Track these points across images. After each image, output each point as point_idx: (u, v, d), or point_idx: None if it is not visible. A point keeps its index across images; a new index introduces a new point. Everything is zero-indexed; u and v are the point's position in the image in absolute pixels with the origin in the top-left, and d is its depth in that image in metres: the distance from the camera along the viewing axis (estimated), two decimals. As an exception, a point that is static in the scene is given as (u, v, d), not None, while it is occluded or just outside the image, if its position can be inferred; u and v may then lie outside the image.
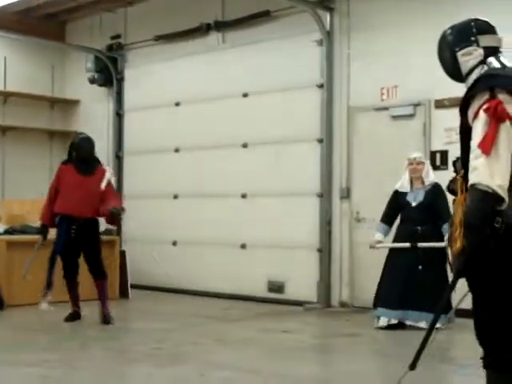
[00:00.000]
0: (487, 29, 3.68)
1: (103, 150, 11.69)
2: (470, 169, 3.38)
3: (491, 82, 3.47)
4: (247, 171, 9.94)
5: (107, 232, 10.83)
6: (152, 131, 11.02)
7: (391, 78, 8.59)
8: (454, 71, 3.81)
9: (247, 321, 8.22)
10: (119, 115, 11.73)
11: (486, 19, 3.70)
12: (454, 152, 8.26)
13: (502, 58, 3.67)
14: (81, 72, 11.90)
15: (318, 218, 9.26)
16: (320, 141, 9.27)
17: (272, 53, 9.77)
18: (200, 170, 10.50)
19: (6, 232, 9.13)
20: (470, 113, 3.53)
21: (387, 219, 7.58)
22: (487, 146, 3.34)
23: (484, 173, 3.31)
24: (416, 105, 8.47)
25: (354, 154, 9.07)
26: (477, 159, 3.35)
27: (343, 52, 9.17)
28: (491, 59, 3.63)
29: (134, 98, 11.53)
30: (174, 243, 10.82)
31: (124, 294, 9.86)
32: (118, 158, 11.72)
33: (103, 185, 7.53)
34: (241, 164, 10.03)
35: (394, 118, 8.70)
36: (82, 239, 7.50)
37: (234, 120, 10.10)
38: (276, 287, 9.62)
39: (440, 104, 8.41)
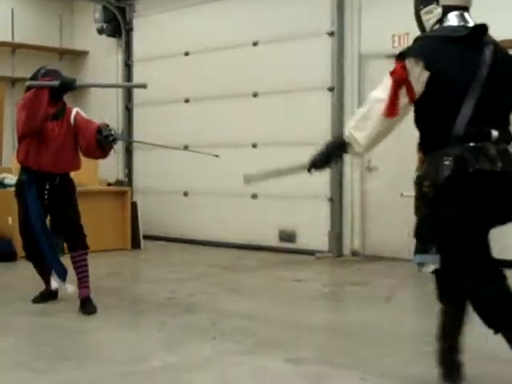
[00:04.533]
0: None
1: (113, 102, 11.67)
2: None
3: (411, 48, 3.65)
4: (258, 121, 9.89)
5: (118, 183, 10.87)
6: (161, 82, 10.93)
7: (402, 25, 8.41)
8: (420, 28, 3.89)
9: (259, 270, 8.27)
10: (128, 66, 11.65)
11: None
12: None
13: (466, 16, 3.71)
14: (89, 23, 11.79)
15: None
16: (331, 89, 9.19)
17: (282, 0, 9.64)
18: (210, 120, 10.46)
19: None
20: None
21: None
22: (388, 109, 3.58)
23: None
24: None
25: (365, 103, 9.00)
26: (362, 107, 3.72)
27: (354, -1, 9.05)
28: (449, 17, 3.69)
29: (142, 49, 11.43)
30: (186, 193, 10.84)
31: (136, 244, 9.92)
32: (128, 110, 11.67)
33: (72, 117, 5.93)
34: (251, 113, 9.97)
35: (406, 65, 8.60)
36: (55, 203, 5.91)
37: (244, 69, 10.02)
38: (287, 237, 9.65)
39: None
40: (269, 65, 9.75)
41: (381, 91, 3.62)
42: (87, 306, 5.74)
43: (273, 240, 9.75)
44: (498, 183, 3.50)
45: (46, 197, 5.83)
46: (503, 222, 3.67)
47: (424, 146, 3.71)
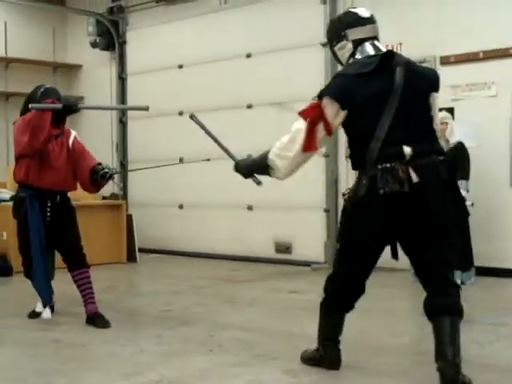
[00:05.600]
0: (356, 21, 4.08)
1: (107, 115, 11.69)
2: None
3: (327, 88, 3.97)
4: (252, 132, 9.89)
5: (113, 196, 10.86)
6: (155, 94, 10.96)
7: (396, 35, 8.49)
8: (337, 61, 4.25)
9: (255, 282, 8.25)
10: (122, 79, 11.68)
11: (357, 10, 4.11)
12: (460, 109, 8.22)
13: (377, 44, 4.08)
14: (82, 36, 11.83)
15: (324, 178, 9.25)
16: (325, 100, 9.20)
17: (275, 12, 9.68)
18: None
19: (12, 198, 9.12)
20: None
21: None
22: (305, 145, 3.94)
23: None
24: (421, 62, 8.30)
25: (359, 113, 9.01)
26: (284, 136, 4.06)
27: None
28: (364, 47, 4.03)
29: (136, 62, 11.46)
30: (181, 206, 10.83)
31: (131, 257, 9.90)
32: (122, 123, 11.68)
33: (70, 141, 5.98)
34: (246, 125, 9.98)
35: (399, 75, 8.62)
36: (56, 221, 5.90)
37: (238, 81, 10.04)
38: (283, 248, 9.64)
39: (445, 60, 8.33)
40: (263, 76, 9.77)
41: (300, 123, 3.97)
42: (99, 321, 5.69)
43: (269, 251, 9.74)
44: (406, 203, 3.78)
45: (49, 214, 5.83)
46: (403, 240, 3.98)
47: (352, 165, 4.06)
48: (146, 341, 5.24)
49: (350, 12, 4.13)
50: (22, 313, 6.07)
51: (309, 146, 3.92)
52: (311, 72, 9.33)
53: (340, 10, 9.10)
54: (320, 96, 3.94)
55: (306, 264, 9.14)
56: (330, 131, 3.93)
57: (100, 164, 5.89)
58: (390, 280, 7.71)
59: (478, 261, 7.63)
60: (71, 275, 5.91)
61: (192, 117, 4.72)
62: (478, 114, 8.15)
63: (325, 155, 9.17)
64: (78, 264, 5.89)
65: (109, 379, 4.27)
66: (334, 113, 3.89)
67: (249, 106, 9.99)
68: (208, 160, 6.56)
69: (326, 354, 4.30)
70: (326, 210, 9.23)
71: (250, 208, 9.97)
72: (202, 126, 4.65)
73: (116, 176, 6.19)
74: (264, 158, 4.13)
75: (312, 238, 9.31)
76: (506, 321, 5.86)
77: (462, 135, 7.57)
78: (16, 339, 5.37)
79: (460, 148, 7.44)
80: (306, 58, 9.36)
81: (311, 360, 4.40)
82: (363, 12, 4.10)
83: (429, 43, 8.28)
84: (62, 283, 6.32)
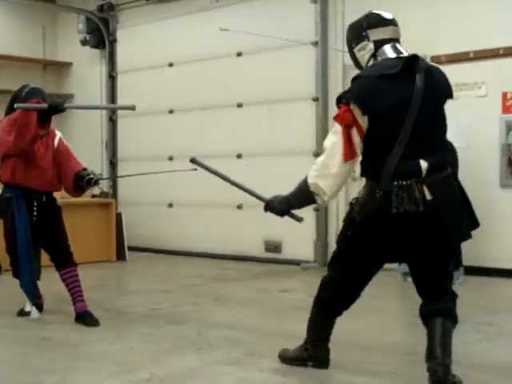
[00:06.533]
0: (378, 22, 3.98)
1: (97, 113, 11.65)
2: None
3: (349, 92, 3.81)
4: (242, 131, 9.90)
5: (103, 194, 10.84)
6: (145, 93, 10.93)
7: (386, 35, 8.51)
8: (356, 64, 4.08)
9: (245, 281, 8.25)
10: (112, 77, 11.64)
11: (380, 12, 4.01)
12: (450, 109, 8.23)
13: (398, 46, 3.95)
14: (72, 34, 11.78)
15: (313, 177, 9.24)
16: (315, 99, 9.22)
17: (266, 11, 9.67)
18: (194, 130, 10.45)
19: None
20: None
21: None
22: (346, 153, 3.75)
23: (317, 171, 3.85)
24: (412, 61, 8.39)
25: (349, 113, 9.02)
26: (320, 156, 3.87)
27: (338, 9, 9.09)
28: (384, 49, 3.91)
29: (126, 60, 11.42)
30: (170, 205, 10.82)
31: (121, 256, 9.89)
32: (112, 121, 11.65)
33: (56, 141, 5.98)
34: (236, 124, 9.98)
35: (390, 75, 8.63)
36: (43, 221, 5.91)
37: (229, 80, 10.03)
38: (273, 247, 9.64)
39: (436, 60, 8.33)
40: (253, 75, 9.76)
41: (334, 136, 3.81)
42: (88, 319, 5.69)
43: (258, 250, 9.74)
44: (418, 221, 3.70)
45: (35, 214, 5.83)
46: (410, 255, 3.86)
47: (363, 174, 3.90)
48: (135, 339, 5.23)
49: (373, 13, 4.02)
50: (12, 311, 6.05)
51: (349, 153, 3.75)
52: (302, 71, 9.33)
53: (331, 10, 9.14)
54: (343, 100, 3.80)
55: (296, 263, 9.15)
56: (362, 135, 3.78)
57: (85, 169, 5.89)
58: (379, 279, 7.71)
59: (467, 260, 7.65)
60: (59, 274, 5.92)
61: (193, 160, 4.81)
62: (468, 113, 8.16)
63: (314, 154, 9.16)
64: (65, 263, 5.90)
65: (99, 377, 4.26)
66: (360, 116, 3.75)
67: (239, 105, 9.99)
68: (195, 170, 6.51)
69: (315, 353, 4.30)
70: (316, 210, 9.23)
71: (239, 207, 9.96)
72: (218, 174, 4.80)
73: (101, 181, 6.18)
74: (303, 185, 3.95)
75: (301, 237, 9.30)
76: (494, 320, 5.89)
77: (452, 135, 7.57)
78: (5, 338, 5.36)
79: (450, 148, 7.47)
80: (296, 57, 9.35)
81: (298, 359, 4.38)
82: (385, 14, 4.01)
83: (419, 43, 8.25)
84: (51, 282, 6.29)
